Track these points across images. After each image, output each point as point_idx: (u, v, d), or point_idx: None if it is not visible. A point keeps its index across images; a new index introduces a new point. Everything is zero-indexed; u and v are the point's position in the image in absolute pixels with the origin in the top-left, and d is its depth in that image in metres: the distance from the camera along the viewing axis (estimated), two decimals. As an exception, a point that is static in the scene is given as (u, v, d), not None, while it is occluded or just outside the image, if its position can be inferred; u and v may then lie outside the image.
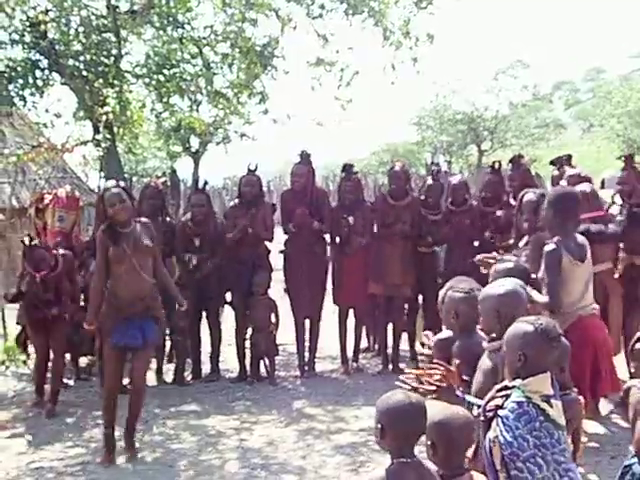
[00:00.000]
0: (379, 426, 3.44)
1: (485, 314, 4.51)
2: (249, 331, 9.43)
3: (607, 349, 6.36)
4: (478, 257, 6.65)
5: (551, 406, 3.72)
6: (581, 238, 6.37)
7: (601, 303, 7.32)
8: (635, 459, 4.46)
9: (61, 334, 8.48)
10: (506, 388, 3.79)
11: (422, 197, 9.81)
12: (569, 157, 9.11)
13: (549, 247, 6.17)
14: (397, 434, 3.39)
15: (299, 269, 9.36)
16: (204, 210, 9.43)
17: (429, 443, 3.64)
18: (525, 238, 7.39)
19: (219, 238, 9.33)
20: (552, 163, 8.87)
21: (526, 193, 7.46)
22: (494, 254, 6.54)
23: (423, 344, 5.50)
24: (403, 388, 4.35)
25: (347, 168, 9.69)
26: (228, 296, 9.58)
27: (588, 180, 8.31)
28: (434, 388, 4.31)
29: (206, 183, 9.79)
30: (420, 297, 9.83)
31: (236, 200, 9.69)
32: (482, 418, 3.79)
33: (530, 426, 3.65)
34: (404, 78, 11.40)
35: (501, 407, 3.73)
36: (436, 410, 3.77)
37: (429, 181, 9.95)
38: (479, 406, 3.97)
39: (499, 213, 9.25)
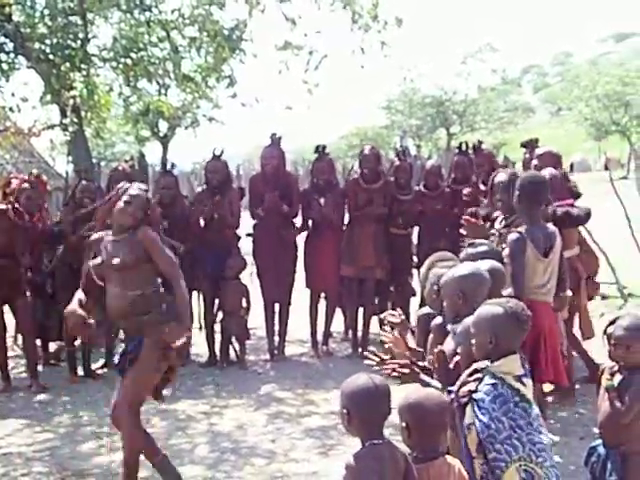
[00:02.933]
0: (345, 411, 3.43)
1: (449, 297, 4.49)
2: (218, 316, 9.43)
3: (552, 339, 6.19)
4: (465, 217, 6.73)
5: (524, 385, 3.76)
6: (551, 227, 6.31)
7: (573, 287, 7.34)
8: (600, 440, 4.52)
9: (25, 311, 8.49)
10: (476, 371, 3.81)
11: (392, 178, 9.85)
12: (536, 140, 9.13)
13: (514, 236, 6.09)
14: (363, 417, 3.38)
15: (268, 253, 9.35)
16: (172, 192, 9.41)
17: (403, 425, 3.61)
18: (499, 218, 7.38)
19: (187, 221, 9.33)
20: (523, 145, 8.87)
21: (497, 174, 7.45)
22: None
23: (383, 325, 5.42)
24: (370, 362, 4.36)
25: (320, 149, 9.71)
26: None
27: (558, 157, 8.30)
28: (397, 375, 4.32)
29: (173, 165, 9.76)
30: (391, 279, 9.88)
31: (204, 186, 9.66)
32: (455, 404, 3.80)
33: (505, 408, 3.66)
34: (373, 62, 11.38)
35: (474, 391, 3.75)
36: (410, 391, 3.77)
37: (396, 162, 10.02)
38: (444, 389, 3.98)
39: (466, 191, 9.32)
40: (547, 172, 7.61)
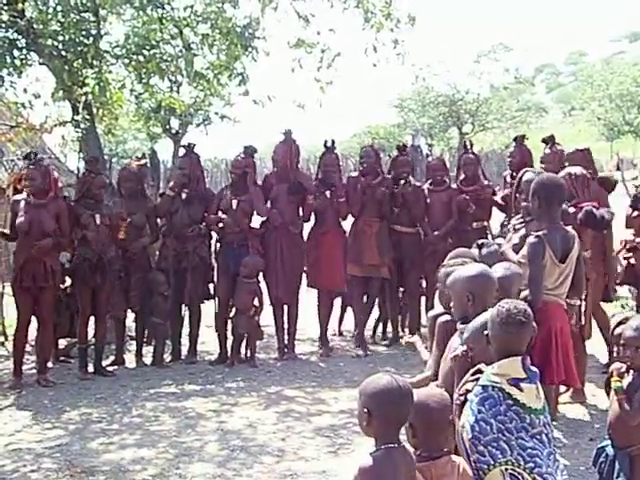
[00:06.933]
0: (365, 411, 3.36)
1: (457, 296, 4.45)
2: (230, 313, 9.41)
3: (564, 340, 6.18)
4: None
5: (521, 390, 3.68)
6: (571, 231, 6.28)
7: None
8: (609, 441, 4.50)
9: (50, 301, 8.55)
10: (479, 372, 3.79)
11: (391, 173, 9.84)
12: (553, 137, 9.11)
13: (533, 239, 6.05)
14: (386, 419, 3.33)
15: (275, 251, 9.34)
16: (191, 170, 9.54)
17: (407, 425, 3.59)
18: (516, 216, 7.33)
19: (208, 195, 9.55)
20: (544, 141, 8.82)
21: (525, 172, 7.38)
22: None
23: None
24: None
25: (331, 144, 9.73)
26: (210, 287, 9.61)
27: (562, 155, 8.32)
28: None
29: (194, 145, 9.86)
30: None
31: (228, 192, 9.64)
32: (457, 402, 3.78)
33: (494, 410, 3.61)
34: (386, 60, 11.31)
35: (471, 391, 3.73)
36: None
37: (400, 157, 10.03)
38: None
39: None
40: (573, 170, 7.48)
